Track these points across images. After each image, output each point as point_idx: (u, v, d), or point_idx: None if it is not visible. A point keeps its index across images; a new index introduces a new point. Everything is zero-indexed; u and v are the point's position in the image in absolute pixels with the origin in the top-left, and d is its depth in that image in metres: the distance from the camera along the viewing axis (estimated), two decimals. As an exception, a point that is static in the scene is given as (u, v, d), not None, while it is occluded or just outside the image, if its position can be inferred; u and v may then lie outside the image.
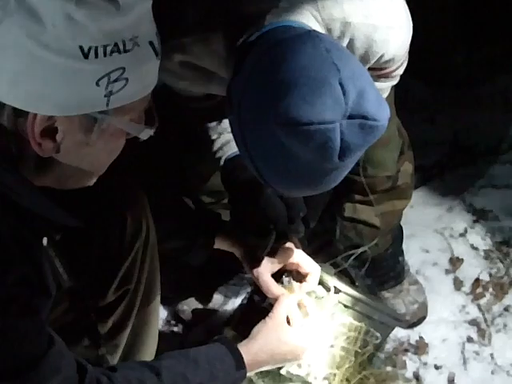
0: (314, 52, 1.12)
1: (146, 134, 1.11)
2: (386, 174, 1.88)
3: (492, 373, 2.00)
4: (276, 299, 1.55)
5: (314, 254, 1.71)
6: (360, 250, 1.86)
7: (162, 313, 2.10)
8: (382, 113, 1.13)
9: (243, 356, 1.40)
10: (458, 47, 2.82)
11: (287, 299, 1.55)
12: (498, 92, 2.80)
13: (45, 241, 1.13)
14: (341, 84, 1.09)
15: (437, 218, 2.40)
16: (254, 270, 1.60)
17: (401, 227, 2.12)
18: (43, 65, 0.97)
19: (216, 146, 1.63)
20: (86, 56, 0.97)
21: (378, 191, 1.90)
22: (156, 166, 1.72)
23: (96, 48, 0.98)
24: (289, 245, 1.63)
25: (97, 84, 0.99)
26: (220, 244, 1.64)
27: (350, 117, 1.10)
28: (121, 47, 0.99)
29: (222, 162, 1.62)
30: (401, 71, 1.52)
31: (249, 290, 2.13)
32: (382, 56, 1.37)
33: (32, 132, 1.01)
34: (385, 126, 1.14)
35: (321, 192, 1.26)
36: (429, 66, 2.70)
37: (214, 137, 1.63)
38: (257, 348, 1.44)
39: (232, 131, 1.24)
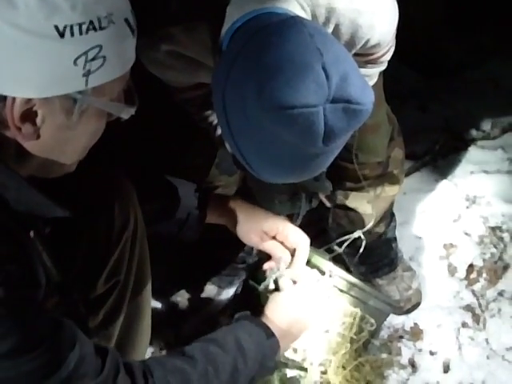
0: (298, 37, 1.11)
1: (127, 113, 1.11)
2: (377, 160, 1.88)
3: (487, 357, 2.00)
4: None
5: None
6: (355, 235, 1.86)
7: (156, 305, 2.10)
8: (366, 97, 1.13)
9: (267, 324, 1.40)
10: (448, 34, 2.82)
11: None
12: (489, 78, 2.81)
13: (31, 233, 1.12)
14: (324, 68, 1.09)
15: (429, 204, 2.41)
16: (254, 238, 1.59)
17: (393, 214, 2.12)
18: (19, 47, 0.96)
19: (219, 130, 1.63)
20: (61, 35, 0.97)
21: (369, 177, 1.90)
22: (143, 152, 1.72)
23: (71, 26, 0.97)
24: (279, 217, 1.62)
25: (74, 63, 0.99)
26: (210, 217, 1.61)
27: (334, 101, 1.09)
28: (96, 25, 0.99)
29: None
30: (388, 57, 1.52)
31: (243, 278, 2.13)
32: (367, 41, 1.37)
33: (11, 116, 1.00)
34: (369, 110, 1.14)
35: (308, 178, 1.26)
36: (419, 53, 2.71)
37: (215, 122, 1.63)
38: (275, 312, 1.45)
39: (217, 118, 1.24)
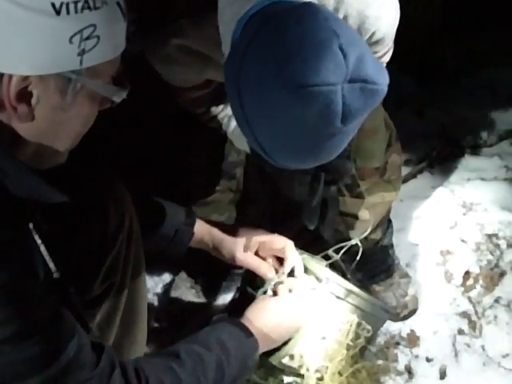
0: (314, 20, 1.13)
1: (118, 96, 1.12)
2: (374, 166, 1.88)
3: (483, 364, 1.99)
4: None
5: (304, 247, 1.70)
6: (352, 242, 1.86)
7: (152, 309, 2.09)
8: (382, 77, 1.15)
9: (247, 325, 1.42)
10: (445, 40, 2.83)
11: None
12: (486, 85, 2.82)
13: (31, 225, 1.13)
14: (341, 49, 1.11)
15: (426, 211, 2.41)
16: (237, 257, 1.60)
17: (390, 220, 2.12)
18: (16, 22, 0.98)
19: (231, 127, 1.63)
20: (58, 12, 0.99)
21: (366, 183, 1.89)
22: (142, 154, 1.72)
23: (67, 4, 1.00)
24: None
25: (70, 41, 1.01)
26: (196, 238, 1.62)
27: (351, 80, 1.11)
28: (91, 4, 1.02)
29: None
30: (387, 58, 1.53)
31: (239, 285, 2.13)
32: (373, 34, 1.39)
33: (8, 95, 1.01)
34: (385, 90, 1.16)
35: (322, 163, 1.26)
36: (417, 59, 2.72)
37: (225, 119, 1.63)
38: (256, 315, 1.46)
39: (231, 105, 1.24)
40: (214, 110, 1.66)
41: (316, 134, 1.16)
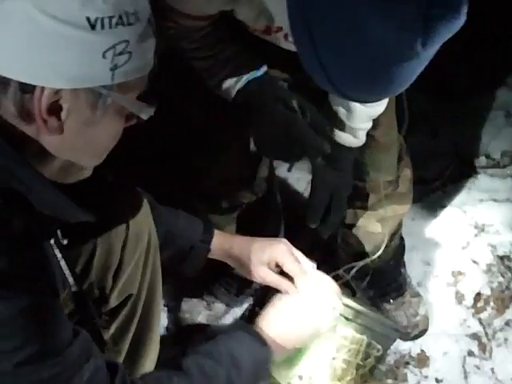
0: None
1: (146, 112, 1.12)
2: (388, 179, 1.87)
3: (493, 387, 1.99)
4: None
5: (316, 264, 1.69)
6: (362, 263, 1.85)
7: (163, 320, 2.09)
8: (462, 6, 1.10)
9: (261, 333, 1.39)
10: (459, 60, 2.82)
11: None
12: (500, 105, 2.81)
13: (52, 241, 1.13)
14: None
15: (438, 230, 2.40)
16: (256, 275, 1.56)
17: (402, 239, 2.12)
18: (51, 36, 0.98)
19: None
20: (93, 27, 0.99)
21: (378, 196, 1.88)
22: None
23: (102, 19, 0.99)
24: (279, 243, 1.59)
25: (103, 56, 1.01)
26: (213, 253, 1.60)
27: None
28: (124, 20, 1.02)
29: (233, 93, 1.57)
30: None
31: (251, 301, 2.13)
32: None
33: (39, 107, 1.01)
34: (463, 20, 1.10)
35: (392, 95, 1.25)
36: (430, 78, 2.70)
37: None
38: (270, 324, 1.43)
39: (292, 28, 1.18)
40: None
41: (393, 56, 1.10)
